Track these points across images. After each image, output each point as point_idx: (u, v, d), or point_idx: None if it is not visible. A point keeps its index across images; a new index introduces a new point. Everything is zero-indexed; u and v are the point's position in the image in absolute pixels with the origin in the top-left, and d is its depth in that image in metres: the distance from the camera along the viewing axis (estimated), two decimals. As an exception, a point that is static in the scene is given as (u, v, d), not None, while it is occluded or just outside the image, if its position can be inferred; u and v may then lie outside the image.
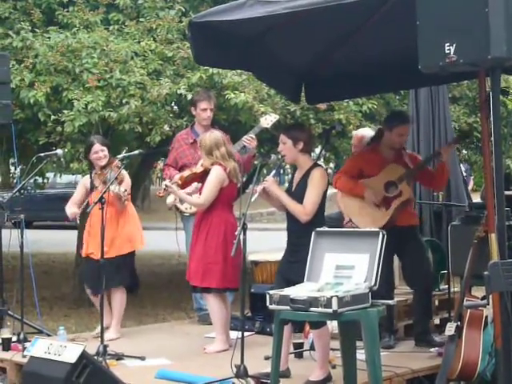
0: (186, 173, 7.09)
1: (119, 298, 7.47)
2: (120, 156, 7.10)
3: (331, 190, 6.49)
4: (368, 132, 8.25)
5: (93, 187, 7.30)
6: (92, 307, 9.74)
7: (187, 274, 6.98)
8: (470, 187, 14.05)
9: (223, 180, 6.71)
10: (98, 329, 7.32)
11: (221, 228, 6.71)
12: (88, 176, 7.59)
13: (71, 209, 7.50)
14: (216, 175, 6.69)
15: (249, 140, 7.59)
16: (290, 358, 6.09)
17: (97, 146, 7.42)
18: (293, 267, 5.72)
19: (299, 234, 5.76)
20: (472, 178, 20.83)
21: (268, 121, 7.72)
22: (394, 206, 6.74)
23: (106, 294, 7.47)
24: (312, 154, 6.32)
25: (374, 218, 6.70)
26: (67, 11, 9.45)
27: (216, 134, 6.89)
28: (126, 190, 7.15)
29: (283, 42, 6.43)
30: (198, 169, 6.93)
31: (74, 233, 11.75)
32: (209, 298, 6.87)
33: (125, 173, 7.43)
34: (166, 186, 6.64)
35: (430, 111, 8.47)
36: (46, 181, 13.14)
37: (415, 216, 7.26)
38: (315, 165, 5.94)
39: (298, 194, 5.84)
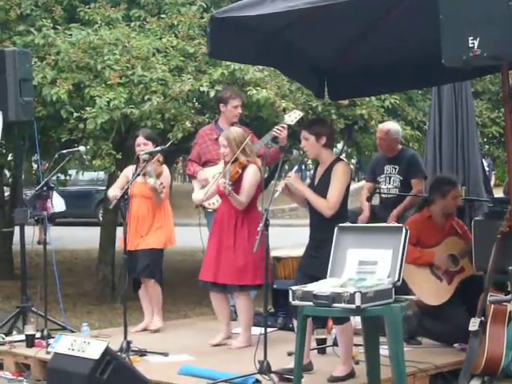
0: (230, 171, 6.87)
1: (155, 288, 7.50)
2: (142, 152, 7.16)
3: (354, 185, 6.45)
4: (393, 125, 8.18)
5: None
6: (114, 303, 9.82)
7: (211, 272, 6.90)
8: (492, 182, 13.94)
9: (259, 179, 6.74)
10: (140, 325, 7.55)
11: (258, 224, 6.66)
12: (130, 167, 7.63)
13: (114, 190, 7.46)
14: (254, 175, 6.72)
15: (280, 129, 7.54)
16: (313, 354, 6.08)
17: (139, 139, 7.48)
18: (315, 262, 5.71)
19: (322, 229, 5.73)
20: (494, 172, 20.69)
21: (292, 118, 7.65)
22: (458, 282, 6.68)
23: (142, 287, 7.53)
24: (334, 150, 6.29)
25: (437, 291, 6.62)
26: (89, 8, 9.47)
27: (240, 130, 6.90)
28: (161, 183, 7.21)
29: (305, 38, 6.41)
30: (238, 166, 6.81)
31: (97, 229, 11.80)
32: (243, 295, 6.85)
33: (165, 167, 7.49)
34: (230, 193, 6.61)
35: (453, 106, 8.37)
36: (68, 178, 13.15)
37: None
38: (338, 159, 5.91)
39: (320, 188, 5.82)
